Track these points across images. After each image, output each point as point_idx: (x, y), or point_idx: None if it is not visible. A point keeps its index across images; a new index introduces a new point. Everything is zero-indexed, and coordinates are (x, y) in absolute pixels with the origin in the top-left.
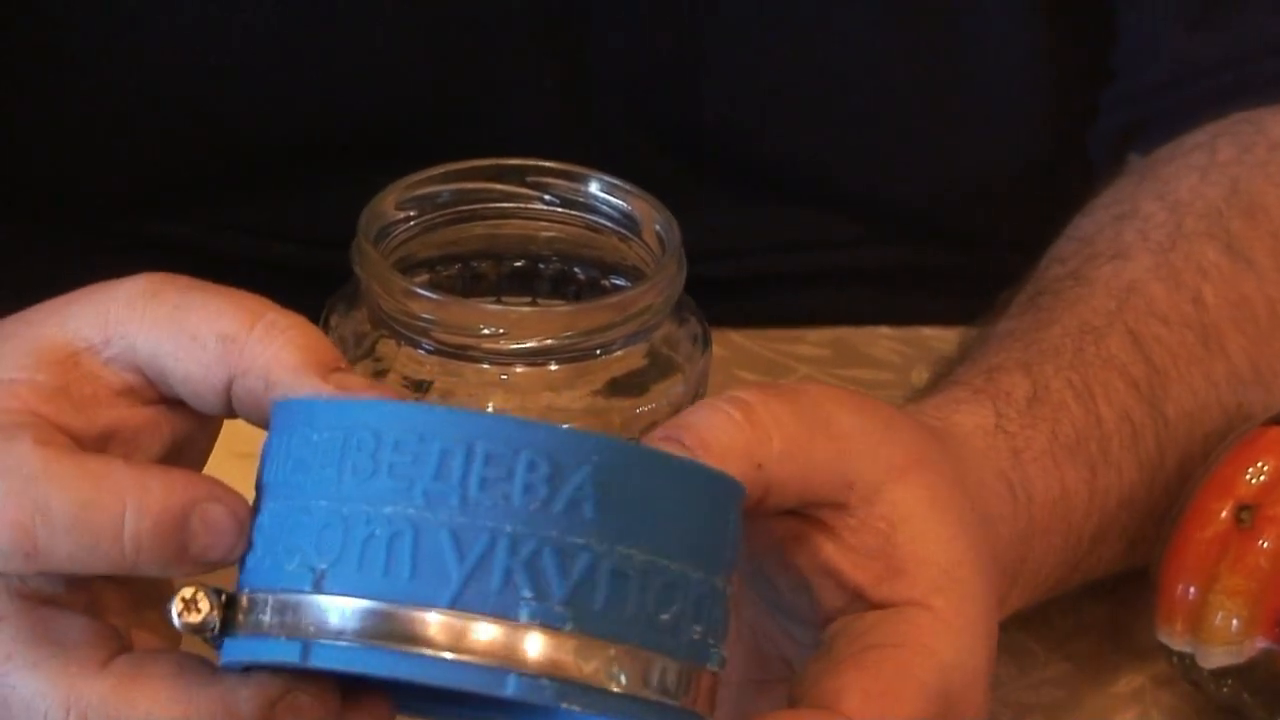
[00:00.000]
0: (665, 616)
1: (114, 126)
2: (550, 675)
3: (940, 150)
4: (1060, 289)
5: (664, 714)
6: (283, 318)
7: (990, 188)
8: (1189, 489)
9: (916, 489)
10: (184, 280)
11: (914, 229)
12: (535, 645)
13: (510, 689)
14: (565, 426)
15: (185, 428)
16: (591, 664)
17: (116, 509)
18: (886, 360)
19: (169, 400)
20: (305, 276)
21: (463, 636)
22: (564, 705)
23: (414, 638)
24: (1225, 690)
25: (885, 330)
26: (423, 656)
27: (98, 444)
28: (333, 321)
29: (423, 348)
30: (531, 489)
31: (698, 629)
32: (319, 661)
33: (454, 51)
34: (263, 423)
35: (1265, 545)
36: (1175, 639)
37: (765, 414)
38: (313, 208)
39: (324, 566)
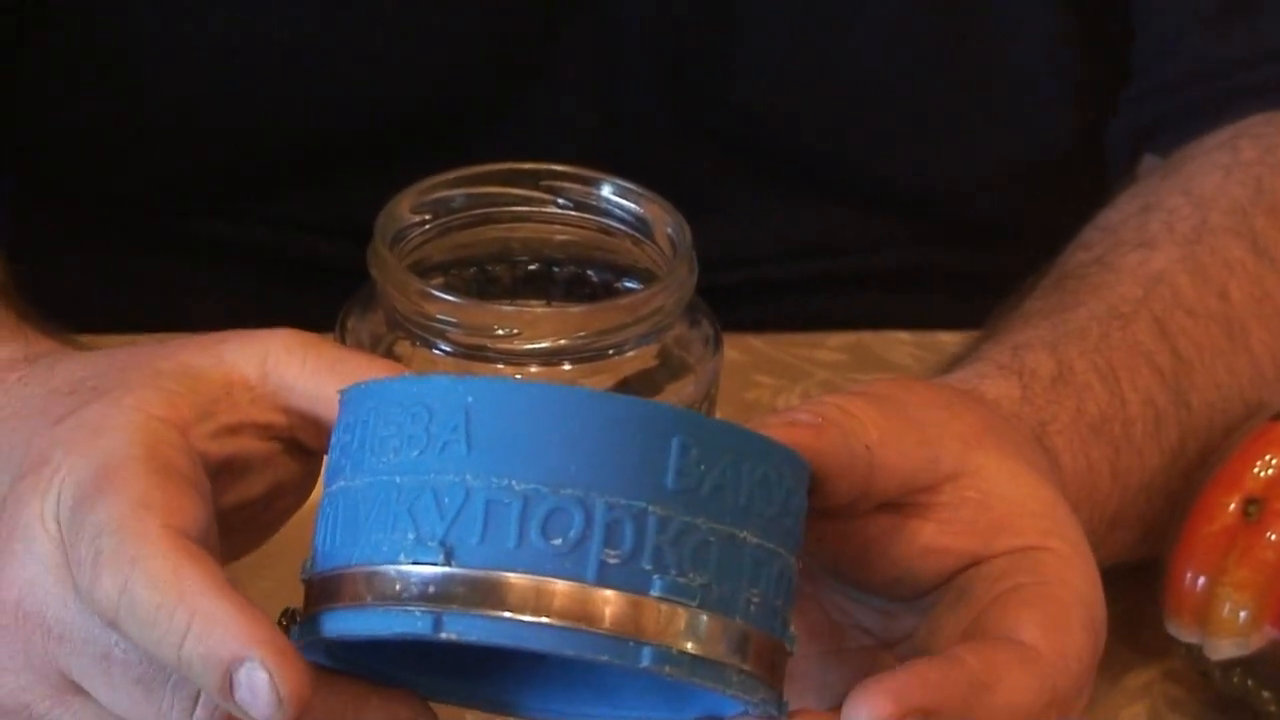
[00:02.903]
0: (758, 594)
1: (151, 124)
2: (673, 646)
3: (963, 140)
4: (1086, 274)
5: (753, 687)
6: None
7: (1012, 179)
8: (1197, 482)
9: (992, 453)
10: (330, 340)
11: (936, 221)
12: (661, 618)
13: (646, 661)
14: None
15: (296, 470)
16: (713, 641)
17: (182, 624)
18: (905, 366)
19: (288, 441)
20: (336, 271)
21: (589, 606)
22: (692, 680)
23: (541, 608)
24: (1234, 681)
25: (903, 335)
26: (552, 627)
27: (216, 467)
28: (349, 324)
29: (439, 349)
30: (684, 472)
31: (779, 603)
32: (452, 631)
33: (480, 40)
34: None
35: (1272, 538)
36: (1184, 631)
37: (857, 408)
38: (346, 202)
39: (442, 537)
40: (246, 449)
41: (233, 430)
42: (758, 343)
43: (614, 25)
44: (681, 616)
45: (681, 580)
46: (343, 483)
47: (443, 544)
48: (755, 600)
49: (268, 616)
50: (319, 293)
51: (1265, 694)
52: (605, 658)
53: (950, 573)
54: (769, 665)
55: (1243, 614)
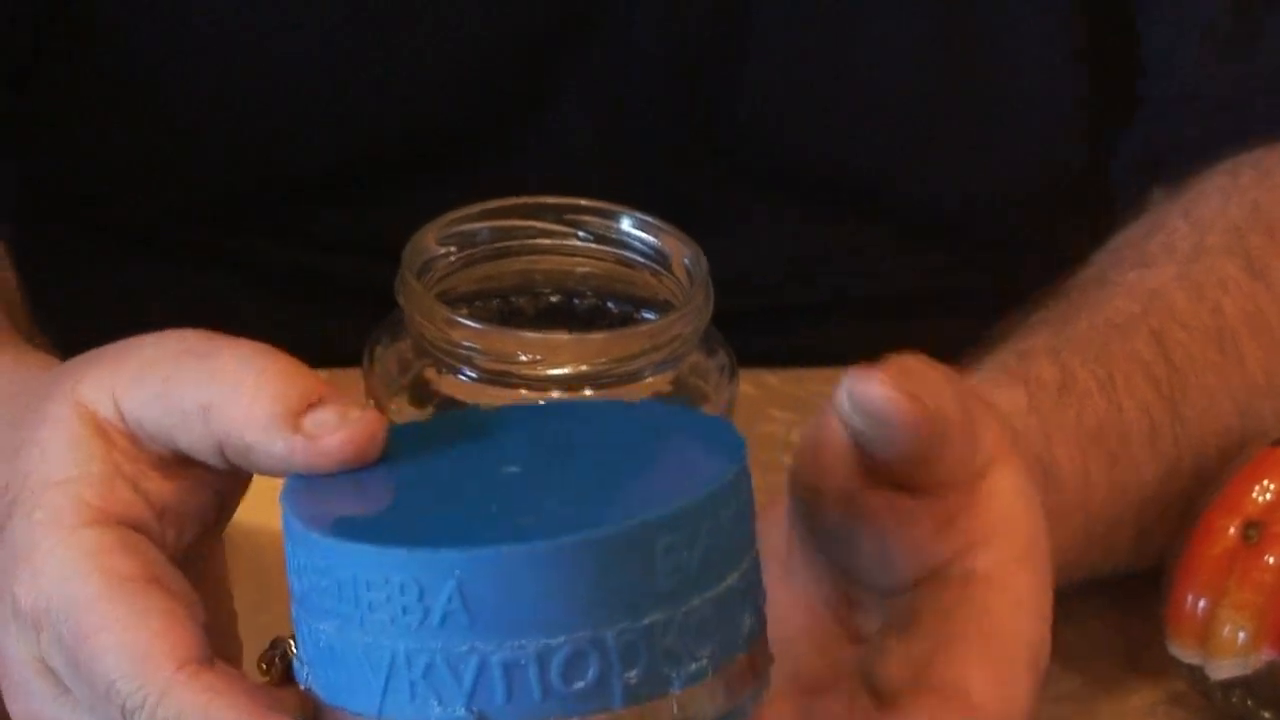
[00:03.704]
0: (750, 616)
1: (181, 146)
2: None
3: (974, 160)
4: (1087, 288)
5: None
6: (252, 373)
7: (1023, 200)
8: (1198, 507)
9: (1009, 471)
10: (182, 342)
11: (948, 241)
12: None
13: None
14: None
15: (229, 483)
16: (731, 689)
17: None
18: None
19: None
20: (362, 291)
21: None
22: None
23: None
24: (1234, 701)
25: None
26: None
27: (159, 522)
28: (377, 352)
29: (464, 375)
30: (674, 568)
31: (760, 602)
32: None
33: (495, 61)
34: (272, 473)
35: (1271, 561)
36: (1186, 652)
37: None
38: (370, 220)
39: (467, 704)
40: (168, 493)
41: (139, 477)
42: (772, 378)
43: (625, 45)
44: (703, 691)
45: (696, 664)
46: (330, 626)
47: (470, 709)
48: (749, 621)
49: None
50: (346, 315)
51: (1266, 714)
52: None
53: (921, 574)
54: (765, 664)
55: (1242, 635)
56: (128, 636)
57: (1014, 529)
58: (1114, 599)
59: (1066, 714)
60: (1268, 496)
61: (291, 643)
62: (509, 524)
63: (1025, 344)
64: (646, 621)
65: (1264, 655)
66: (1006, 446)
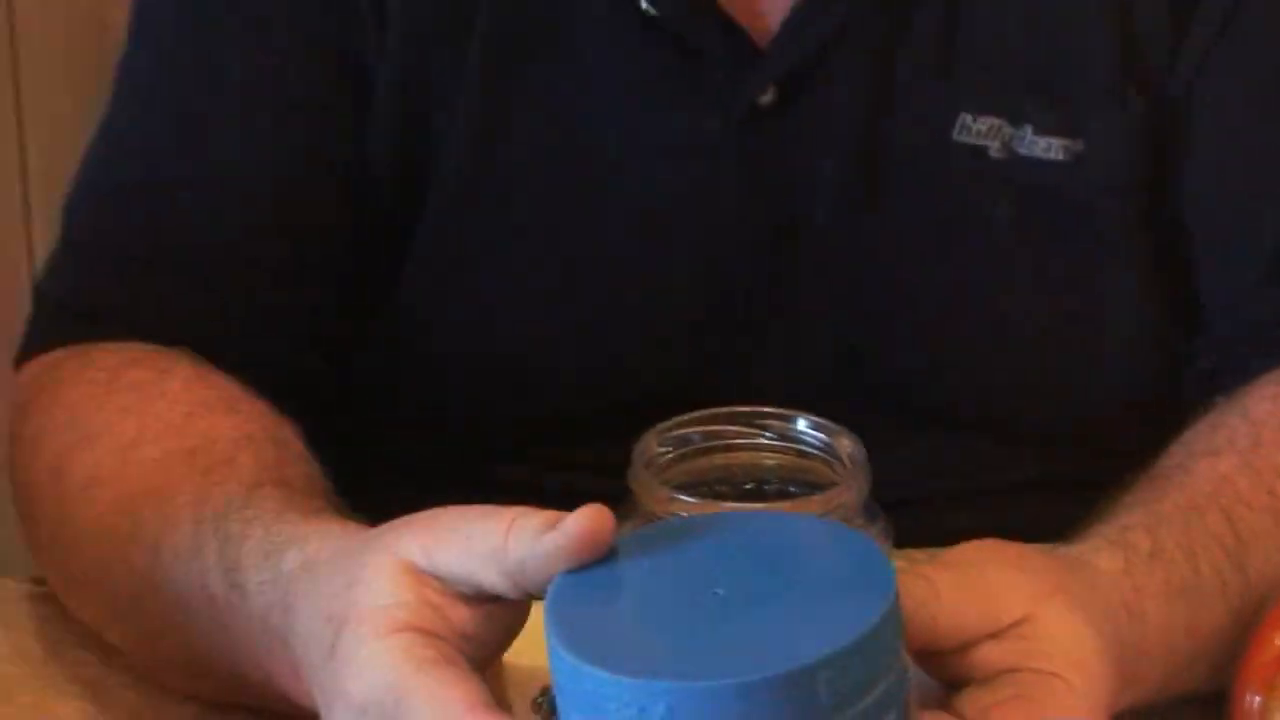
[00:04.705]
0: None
1: (466, 397)
2: None
3: (1070, 387)
4: (1170, 475)
5: None
6: (523, 517)
7: (1107, 413)
8: (1253, 626)
9: (1057, 604)
10: (473, 509)
11: (1047, 446)
12: None
13: None
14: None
15: (515, 614)
16: None
17: None
18: None
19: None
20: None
21: None
22: None
23: None
24: None
25: None
26: None
27: (459, 642)
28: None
29: None
30: (834, 690)
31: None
32: None
33: (705, 337)
34: (542, 582)
35: None
36: None
37: (934, 573)
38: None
39: None
40: (468, 619)
41: (445, 607)
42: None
43: (803, 321)
44: None
45: None
46: (576, 715)
47: None
48: (894, 714)
49: None
50: None
51: None
52: None
53: (990, 675)
54: None
55: None
56: (431, 696)
57: (1065, 645)
58: (1191, 706)
59: None
60: None
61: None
62: (708, 660)
63: (1122, 519)
64: None
65: None
66: (1054, 595)
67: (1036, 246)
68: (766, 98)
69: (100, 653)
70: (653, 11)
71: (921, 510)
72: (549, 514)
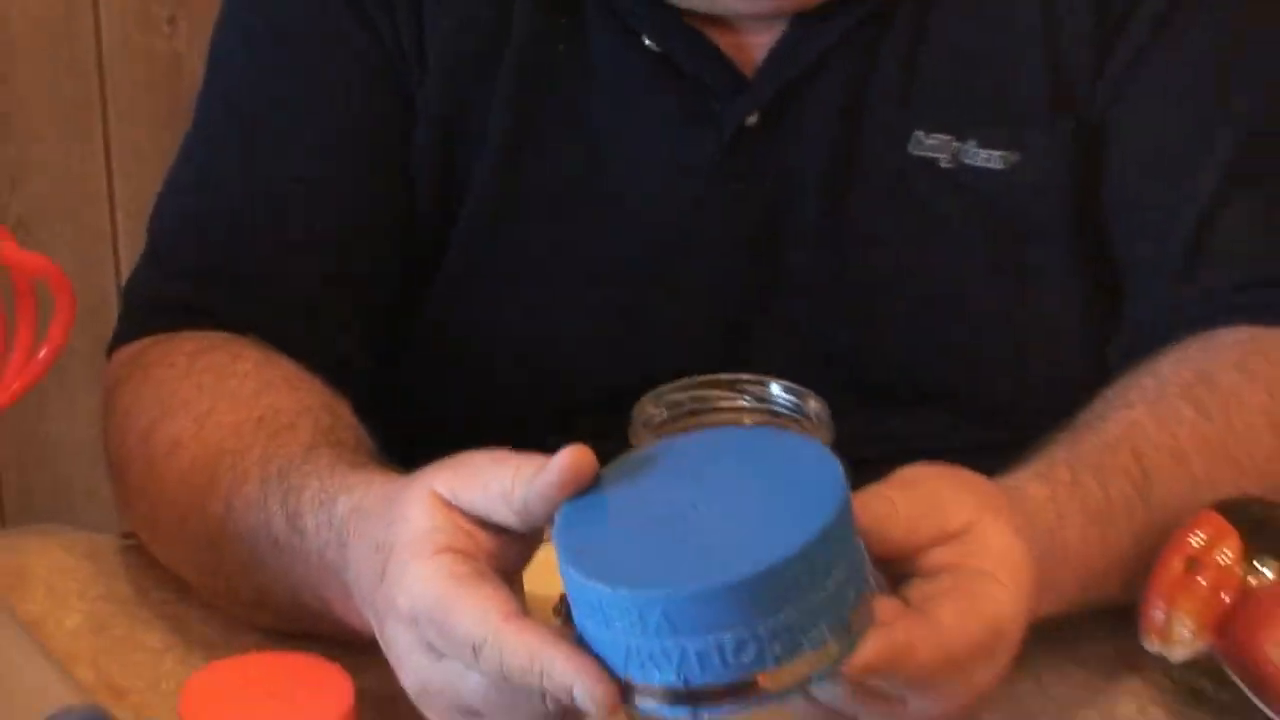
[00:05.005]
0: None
1: (504, 387)
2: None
3: (1014, 363)
4: (1090, 423)
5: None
6: (525, 464)
7: (1044, 385)
8: (1159, 552)
9: (995, 518)
10: (493, 454)
11: (990, 416)
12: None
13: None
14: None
15: (528, 540)
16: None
17: (538, 674)
18: None
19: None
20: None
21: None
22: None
23: (741, 696)
24: (1188, 676)
25: None
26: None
27: (489, 560)
28: None
29: None
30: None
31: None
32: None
33: (709, 329)
34: (546, 516)
35: (1204, 583)
36: (1154, 645)
37: (891, 492)
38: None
39: (676, 673)
40: (491, 543)
41: (475, 533)
42: None
43: (788, 316)
44: (823, 650)
45: (817, 632)
46: (587, 621)
47: (678, 676)
48: (853, 596)
49: (585, 654)
50: None
51: (1206, 682)
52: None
53: (934, 570)
54: (866, 622)
55: (1188, 632)
56: (471, 605)
57: (998, 550)
58: (1110, 619)
59: (1078, 697)
60: (1201, 541)
61: None
62: (694, 566)
63: (1049, 457)
64: (782, 616)
65: (1202, 645)
66: (992, 511)
67: (984, 241)
68: (752, 120)
69: (178, 593)
70: (657, 48)
71: (882, 471)
72: (543, 458)
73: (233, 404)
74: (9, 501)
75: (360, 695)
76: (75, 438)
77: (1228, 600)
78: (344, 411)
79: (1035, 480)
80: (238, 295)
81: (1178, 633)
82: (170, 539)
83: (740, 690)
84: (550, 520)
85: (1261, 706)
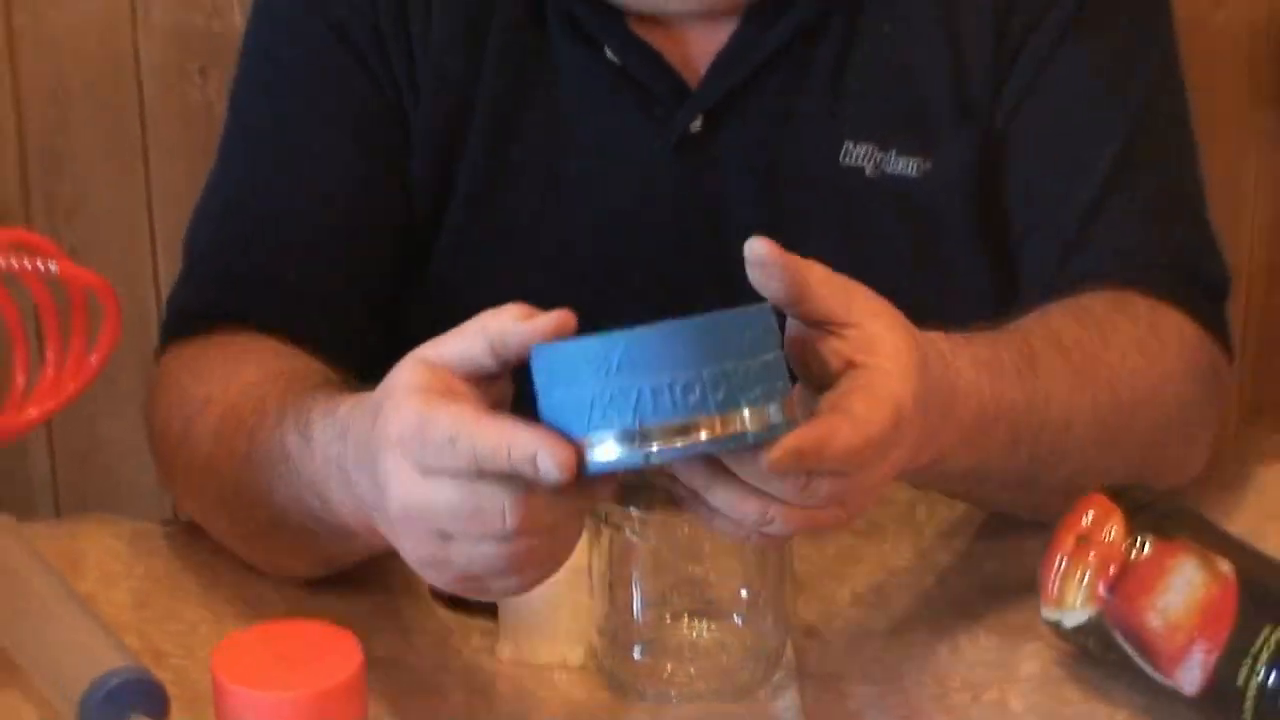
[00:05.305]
0: (782, 382)
1: (519, 274)
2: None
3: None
4: (995, 334)
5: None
6: (504, 309)
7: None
8: (1054, 529)
9: (883, 321)
10: (477, 319)
11: None
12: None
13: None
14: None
15: (500, 390)
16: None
17: (505, 449)
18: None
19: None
20: None
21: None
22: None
23: (691, 432)
24: (1079, 639)
25: None
26: (702, 442)
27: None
28: None
29: None
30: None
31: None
32: (656, 460)
33: (661, 312)
34: (523, 355)
35: (1092, 557)
36: (1049, 612)
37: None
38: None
39: (634, 412)
40: (477, 391)
41: (458, 385)
42: None
43: (733, 301)
44: (758, 412)
45: (753, 394)
46: (557, 392)
47: (635, 418)
48: (783, 384)
49: (546, 428)
50: None
51: (1096, 644)
52: (732, 448)
53: (837, 370)
54: (794, 410)
55: (1079, 600)
56: (447, 409)
57: (887, 346)
58: (1011, 590)
59: (990, 659)
60: (1089, 521)
61: None
62: (648, 322)
63: (955, 337)
64: (725, 367)
65: (1090, 611)
66: (886, 313)
67: (905, 238)
68: (696, 125)
69: (210, 574)
70: (617, 61)
71: None
72: (514, 307)
73: (258, 366)
74: (65, 494)
75: (369, 658)
76: (124, 439)
77: (1113, 572)
78: (347, 380)
79: (940, 339)
80: (262, 298)
81: (1070, 601)
82: (201, 484)
83: (686, 430)
84: (521, 362)
85: (1142, 665)
